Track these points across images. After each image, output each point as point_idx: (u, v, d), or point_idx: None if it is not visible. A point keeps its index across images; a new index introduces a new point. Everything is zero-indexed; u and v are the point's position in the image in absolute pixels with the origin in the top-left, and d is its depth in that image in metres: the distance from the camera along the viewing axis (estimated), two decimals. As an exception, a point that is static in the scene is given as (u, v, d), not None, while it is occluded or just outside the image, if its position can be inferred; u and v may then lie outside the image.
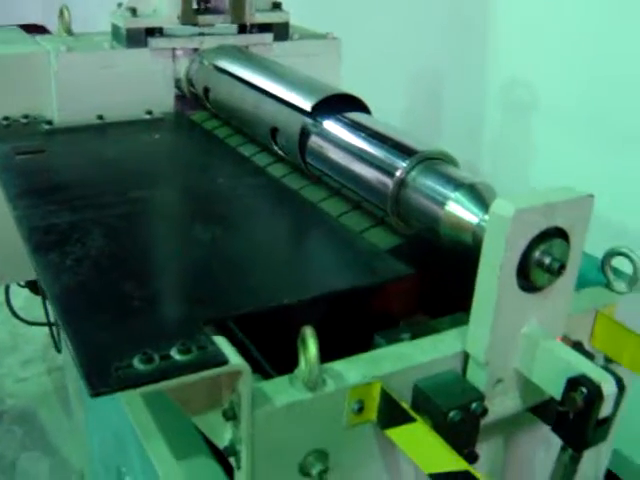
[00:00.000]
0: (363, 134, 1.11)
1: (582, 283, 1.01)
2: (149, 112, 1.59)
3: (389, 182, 1.02)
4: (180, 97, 1.68)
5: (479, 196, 0.92)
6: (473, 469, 0.72)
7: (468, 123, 2.02)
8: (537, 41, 1.74)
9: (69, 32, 1.70)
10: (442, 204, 0.94)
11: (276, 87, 1.32)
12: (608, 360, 1.01)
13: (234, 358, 0.72)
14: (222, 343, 0.74)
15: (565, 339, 0.91)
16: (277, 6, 1.72)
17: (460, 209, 0.92)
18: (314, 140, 1.18)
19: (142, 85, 1.60)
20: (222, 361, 0.71)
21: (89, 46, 1.60)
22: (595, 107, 1.61)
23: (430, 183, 0.97)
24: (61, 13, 1.71)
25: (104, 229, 1.03)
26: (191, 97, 1.65)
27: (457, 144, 2.05)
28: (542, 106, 1.76)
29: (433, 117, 2.16)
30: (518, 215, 0.74)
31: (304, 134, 1.20)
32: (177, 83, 1.65)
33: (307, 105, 1.21)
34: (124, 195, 1.16)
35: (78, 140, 1.47)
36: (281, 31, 1.71)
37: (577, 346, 0.93)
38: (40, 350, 2.72)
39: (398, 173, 1.01)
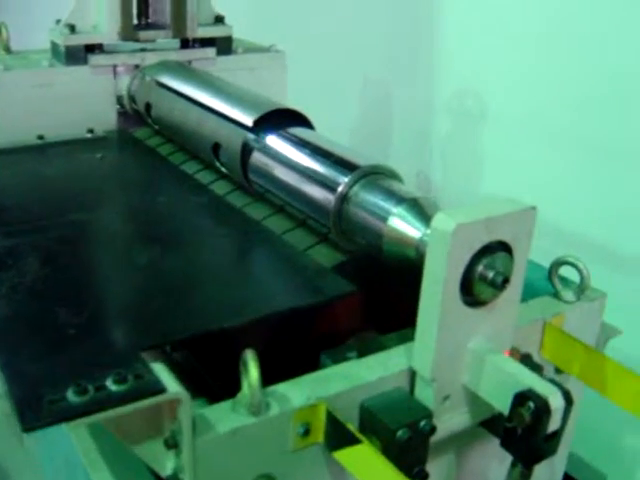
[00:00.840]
0: (305, 150, 1.10)
1: (532, 293, 1.01)
2: (91, 130, 1.56)
3: (331, 197, 1.00)
4: (123, 114, 1.65)
5: (422, 211, 0.90)
6: (422, 489, 0.71)
7: (418, 133, 2.03)
8: (484, 50, 1.75)
9: (7, 50, 1.66)
10: (384, 219, 0.93)
11: (218, 102, 1.30)
12: (558, 371, 1.01)
13: (172, 386, 0.70)
14: (160, 370, 0.72)
15: (514, 351, 0.90)
16: (220, 20, 1.70)
17: (402, 224, 0.91)
18: (256, 156, 1.16)
19: (83, 103, 1.57)
20: (159, 389, 0.69)
21: (27, 64, 1.56)
22: (544, 115, 1.61)
23: (372, 198, 0.96)
24: (-1, 31, 1.68)
25: (41, 254, 1.00)
26: (134, 114, 1.62)
27: (407, 155, 2.06)
28: (491, 115, 1.77)
29: (383, 128, 2.16)
30: (459, 229, 0.73)
31: (246, 150, 1.18)
32: (119, 100, 1.63)
33: (248, 120, 1.19)
34: (63, 217, 1.13)
35: (18, 161, 1.43)
36: (224, 45, 1.69)
37: (526, 358, 0.92)
38: (-10, 375, 2.65)
39: (340, 188, 0.99)
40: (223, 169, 1.27)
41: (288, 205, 1.12)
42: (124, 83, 1.61)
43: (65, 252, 1.03)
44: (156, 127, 1.53)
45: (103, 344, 0.80)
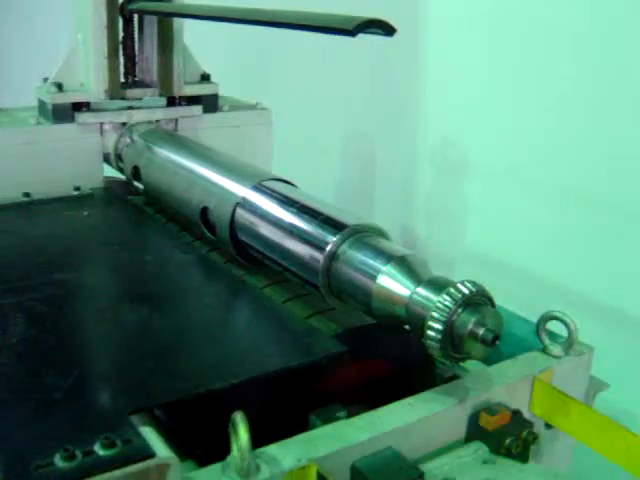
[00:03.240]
0: (293, 208, 1.10)
1: (522, 348, 1.01)
2: (77, 188, 1.56)
3: (320, 256, 1.00)
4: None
5: (410, 268, 0.90)
6: None
7: (401, 186, 2.03)
8: (466, 102, 1.76)
9: (-6, 108, 1.67)
10: (373, 277, 0.92)
11: (208, 170, 1.31)
12: (548, 426, 1.00)
13: (162, 451, 0.69)
14: (149, 434, 0.71)
15: (503, 408, 0.90)
16: (206, 78, 1.72)
17: (391, 282, 0.90)
18: (243, 215, 1.17)
19: (70, 161, 1.57)
20: (148, 454, 0.68)
21: (14, 122, 1.57)
22: (527, 168, 1.62)
23: (361, 256, 0.96)
24: (-14, 89, 1.69)
25: (27, 314, 0.99)
26: (119, 171, 1.63)
27: (391, 208, 2.07)
28: (474, 168, 1.78)
29: (366, 182, 2.17)
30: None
31: (235, 212, 1.18)
32: (105, 158, 1.63)
33: (240, 188, 1.20)
34: (49, 277, 1.12)
35: (3, 219, 1.42)
36: (210, 103, 1.70)
37: (516, 415, 0.92)
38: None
39: (329, 247, 0.99)
40: (209, 234, 1.26)
41: (275, 264, 1.11)
42: (111, 141, 1.62)
43: (51, 313, 1.02)
44: (141, 187, 1.53)
45: (90, 407, 0.79)
